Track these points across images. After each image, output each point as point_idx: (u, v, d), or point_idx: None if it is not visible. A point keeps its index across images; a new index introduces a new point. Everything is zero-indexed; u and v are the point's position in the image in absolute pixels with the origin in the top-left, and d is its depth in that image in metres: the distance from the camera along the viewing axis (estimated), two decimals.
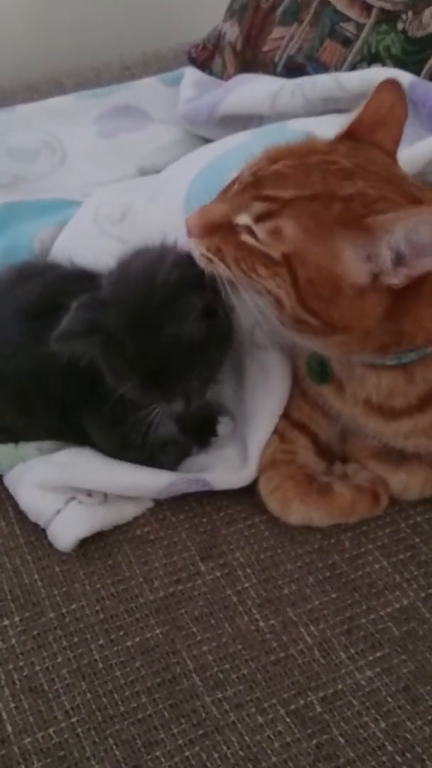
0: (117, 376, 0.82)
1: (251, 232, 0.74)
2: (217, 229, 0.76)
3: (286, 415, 0.94)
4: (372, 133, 0.80)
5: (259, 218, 0.74)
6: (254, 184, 0.76)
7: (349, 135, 0.80)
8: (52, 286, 0.92)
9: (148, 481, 0.91)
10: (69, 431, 0.94)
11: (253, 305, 0.77)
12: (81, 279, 0.91)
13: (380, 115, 0.80)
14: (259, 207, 0.74)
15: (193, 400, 0.84)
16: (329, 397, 0.90)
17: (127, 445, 0.90)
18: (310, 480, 0.91)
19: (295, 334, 0.79)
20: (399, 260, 0.71)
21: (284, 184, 0.74)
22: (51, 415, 0.93)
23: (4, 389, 0.93)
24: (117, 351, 0.80)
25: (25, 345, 0.89)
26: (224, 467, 0.93)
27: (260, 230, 0.74)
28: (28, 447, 0.96)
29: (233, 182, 0.80)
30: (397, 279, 0.71)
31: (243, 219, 0.75)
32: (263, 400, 0.93)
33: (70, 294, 0.83)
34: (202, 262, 0.78)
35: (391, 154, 0.80)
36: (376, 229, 0.70)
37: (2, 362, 0.91)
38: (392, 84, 0.82)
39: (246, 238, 0.75)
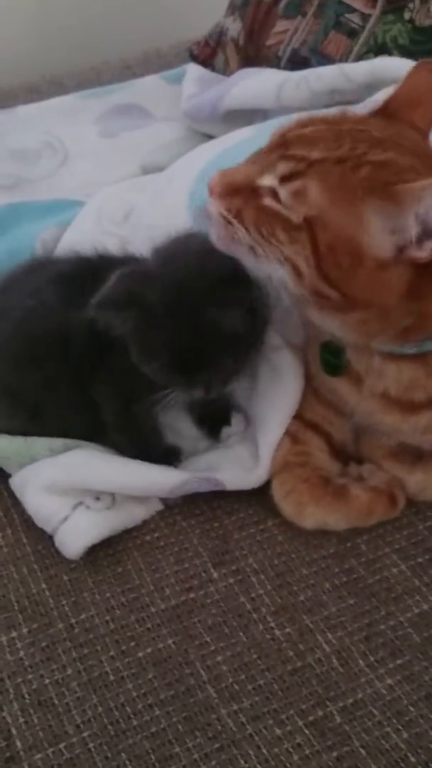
0: (145, 353, 0.81)
1: (274, 194, 0.73)
2: (239, 191, 0.74)
3: (298, 416, 0.91)
4: (406, 111, 0.78)
5: (284, 178, 0.72)
6: (282, 145, 0.74)
7: (383, 112, 0.79)
8: (85, 259, 0.94)
9: (159, 480, 0.89)
10: (82, 405, 0.91)
11: (273, 276, 0.74)
12: (113, 261, 0.92)
13: (416, 94, 0.79)
14: (284, 167, 0.72)
15: (213, 391, 0.83)
16: (344, 392, 0.87)
17: (130, 422, 0.89)
18: (325, 482, 0.89)
19: (314, 311, 0.77)
20: (426, 233, 0.69)
21: (313, 145, 0.72)
22: (67, 381, 0.90)
23: (29, 352, 0.91)
24: (152, 328, 0.79)
25: (56, 308, 0.89)
26: (235, 467, 0.91)
27: (284, 191, 0.72)
28: (38, 444, 0.93)
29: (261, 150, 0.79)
30: (423, 252, 0.69)
31: (267, 180, 0.73)
32: (275, 401, 0.91)
33: (103, 268, 0.84)
34: (220, 224, 0.75)
35: (425, 134, 0.78)
36: (405, 196, 0.68)
37: (36, 326, 0.90)
38: (426, 66, 0.81)
39: (268, 201, 0.73)
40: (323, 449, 0.92)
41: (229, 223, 0.74)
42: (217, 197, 0.75)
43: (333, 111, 0.81)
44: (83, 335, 0.85)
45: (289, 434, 0.91)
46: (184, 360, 0.80)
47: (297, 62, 1.34)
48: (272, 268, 0.74)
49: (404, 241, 0.69)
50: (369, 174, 0.70)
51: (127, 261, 0.90)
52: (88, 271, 0.90)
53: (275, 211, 0.72)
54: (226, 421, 0.95)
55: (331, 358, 0.86)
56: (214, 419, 0.97)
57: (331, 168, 0.70)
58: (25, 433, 0.95)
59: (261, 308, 0.82)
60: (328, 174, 0.70)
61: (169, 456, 0.94)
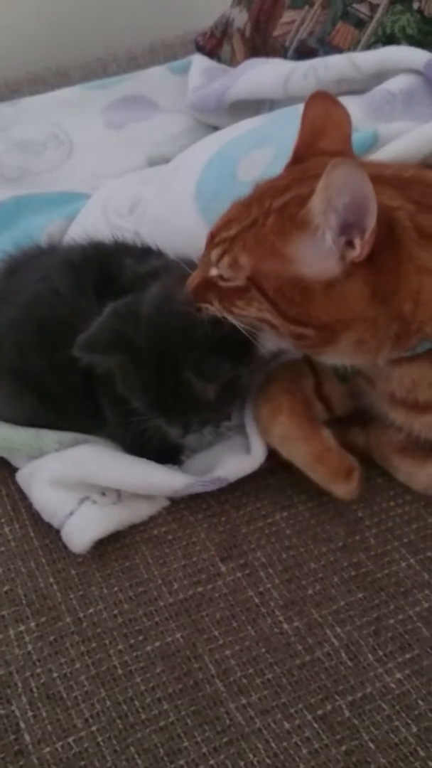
0: (129, 390, 0.85)
1: (220, 276, 0.78)
2: (203, 287, 0.80)
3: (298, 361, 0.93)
4: (315, 147, 0.80)
5: (218, 260, 0.77)
6: (210, 242, 0.80)
7: (295, 160, 0.81)
8: (99, 246, 0.95)
9: (163, 482, 0.88)
10: (87, 393, 0.92)
11: (267, 337, 0.81)
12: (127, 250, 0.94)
13: (318, 128, 0.81)
14: (215, 253, 0.77)
15: (191, 433, 0.86)
16: (362, 388, 0.88)
17: (128, 418, 0.89)
18: (306, 404, 0.90)
19: (313, 353, 0.81)
20: (346, 233, 0.69)
21: (230, 226, 0.77)
22: (74, 368, 0.88)
23: (43, 338, 0.91)
24: (134, 373, 0.83)
25: (68, 296, 0.90)
26: (233, 457, 0.90)
27: (222, 268, 0.77)
28: (48, 437, 0.93)
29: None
30: (356, 251, 0.69)
31: (211, 271, 0.79)
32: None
33: (116, 256, 0.89)
34: (203, 313, 0.81)
35: (341, 153, 0.78)
36: (306, 216, 0.70)
37: (44, 311, 0.91)
38: (317, 96, 0.83)
39: (220, 283, 0.78)
40: (311, 387, 0.93)
41: (206, 309, 0.80)
42: (193, 297, 0.81)
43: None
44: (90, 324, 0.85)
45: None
46: (162, 403, 0.83)
47: (304, 53, 1.32)
48: (261, 333, 0.79)
49: (335, 252, 0.70)
50: (276, 219, 0.73)
51: (141, 252, 0.92)
52: (101, 258, 0.91)
53: (226, 287, 0.77)
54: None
55: (338, 367, 0.86)
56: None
57: (247, 233, 0.75)
58: (31, 418, 0.94)
59: (245, 377, 0.85)
60: (246, 239, 0.75)
61: (168, 454, 0.94)
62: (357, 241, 0.69)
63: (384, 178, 0.75)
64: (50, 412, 0.94)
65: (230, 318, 0.78)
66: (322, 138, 0.80)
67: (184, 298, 0.81)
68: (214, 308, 0.79)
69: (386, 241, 0.70)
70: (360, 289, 0.71)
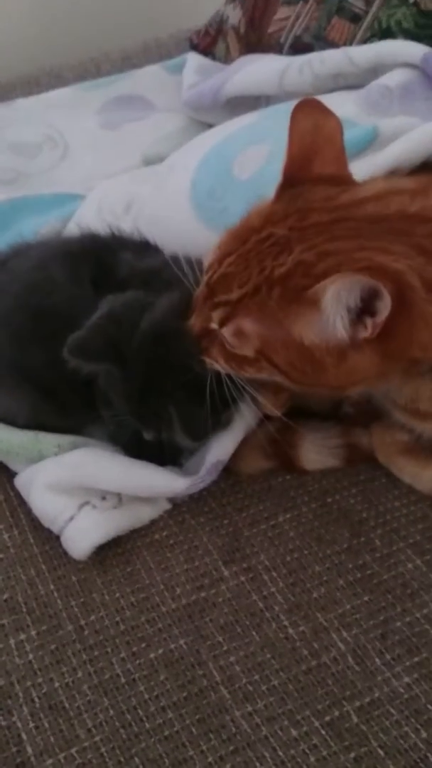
0: (111, 390, 0.84)
1: (225, 340, 0.75)
2: (205, 340, 0.78)
3: None
4: (307, 168, 0.75)
5: (222, 324, 0.75)
6: (209, 293, 0.76)
7: (286, 182, 0.75)
8: (96, 237, 0.95)
9: (164, 484, 0.87)
10: (87, 386, 0.90)
11: None
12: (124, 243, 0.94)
13: (307, 145, 0.75)
14: (217, 315, 0.75)
15: (163, 437, 0.85)
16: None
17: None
18: None
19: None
20: (356, 313, 0.67)
21: (230, 285, 0.73)
22: None
23: (38, 326, 0.90)
24: (118, 381, 0.82)
25: (64, 284, 0.89)
26: (224, 441, 0.88)
27: (227, 335, 0.74)
28: (47, 440, 0.92)
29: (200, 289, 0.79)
30: (367, 331, 0.67)
31: (211, 325, 0.76)
32: None
33: (114, 249, 0.88)
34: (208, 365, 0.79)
35: (336, 177, 0.75)
36: (314, 296, 0.67)
37: (40, 298, 0.90)
38: (306, 104, 0.76)
39: (227, 347, 0.76)
40: None
41: (210, 364, 0.78)
42: (197, 344, 0.79)
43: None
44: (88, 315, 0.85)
45: None
46: (142, 418, 0.83)
47: (300, 49, 1.31)
48: None
49: (347, 330, 0.68)
50: (280, 293, 0.70)
51: (138, 246, 0.92)
52: (97, 249, 0.91)
53: (233, 353, 0.75)
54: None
55: None
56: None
57: (251, 302, 0.72)
58: (30, 412, 0.93)
59: (219, 417, 0.85)
60: (250, 308, 0.72)
61: (166, 455, 0.92)
62: (368, 322, 0.66)
63: (389, 222, 0.71)
64: (49, 405, 0.93)
65: (238, 375, 0.77)
66: (314, 157, 0.75)
67: (186, 328, 0.80)
68: (220, 367, 0.78)
69: (397, 307, 0.65)
70: (371, 357, 0.70)
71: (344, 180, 0.76)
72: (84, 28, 1.83)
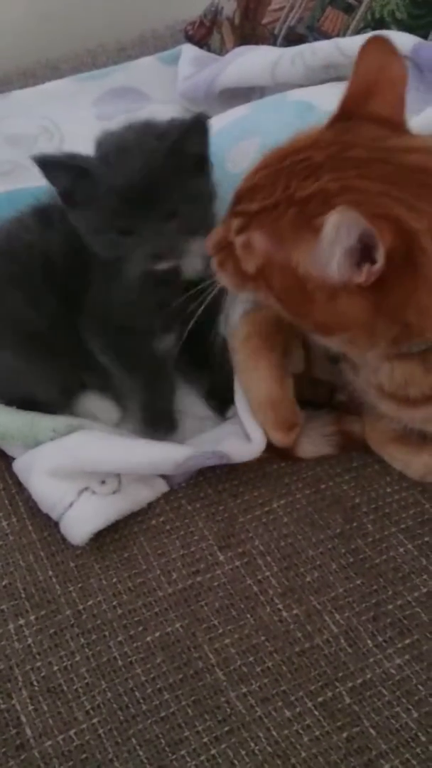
0: (96, 211, 0.85)
1: (235, 246, 0.75)
2: (223, 251, 0.78)
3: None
4: (364, 105, 0.74)
5: (237, 233, 0.75)
6: (236, 201, 0.76)
7: (342, 115, 0.75)
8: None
9: (164, 457, 0.88)
10: (73, 330, 0.94)
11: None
12: None
13: (370, 82, 0.74)
14: (236, 223, 0.75)
15: (175, 243, 0.86)
16: (345, 371, 0.87)
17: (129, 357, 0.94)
18: (283, 346, 0.90)
19: (307, 333, 0.81)
20: (354, 258, 0.65)
21: (254, 196, 0.73)
22: (54, 303, 0.92)
23: (15, 270, 0.93)
24: (93, 182, 0.84)
25: (35, 229, 0.94)
26: (235, 439, 0.90)
27: (237, 245, 0.75)
28: (42, 424, 0.93)
29: None
30: (361, 277, 0.66)
31: (230, 236, 0.76)
32: None
33: None
34: (216, 276, 0.80)
35: (391, 121, 0.74)
36: (318, 228, 0.66)
37: (14, 242, 0.94)
38: (376, 42, 0.75)
39: (235, 252, 0.76)
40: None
41: (219, 274, 0.80)
42: (211, 254, 0.80)
43: (296, 132, 0.77)
44: (64, 261, 0.90)
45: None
46: (132, 198, 0.83)
47: (293, 40, 1.31)
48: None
49: (341, 269, 0.67)
50: (294, 214, 0.69)
51: None
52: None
53: (239, 265, 0.75)
54: (232, 399, 0.94)
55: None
56: (220, 397, 0.97)
57: (267, 216, 0.71)
58: (21, 363, 0.95)
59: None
60: (264, 223, 0.72)
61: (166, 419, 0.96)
62: (365, 267, 0.65)
63: (428, 176, 0.69)
64: (35, 351, 0.94)
65: (239, 291, 0.79)
66: (374, 96, 0.73)
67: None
68: (227, 280, 0.79)
69: (402, 264, 0.65)
70: (362, 303, 0.68)
71: (398, 126, 0.74)
72: (80, 20, 1.83)
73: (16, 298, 0.92)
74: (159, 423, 0.97)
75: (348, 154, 0.71)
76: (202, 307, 0.82)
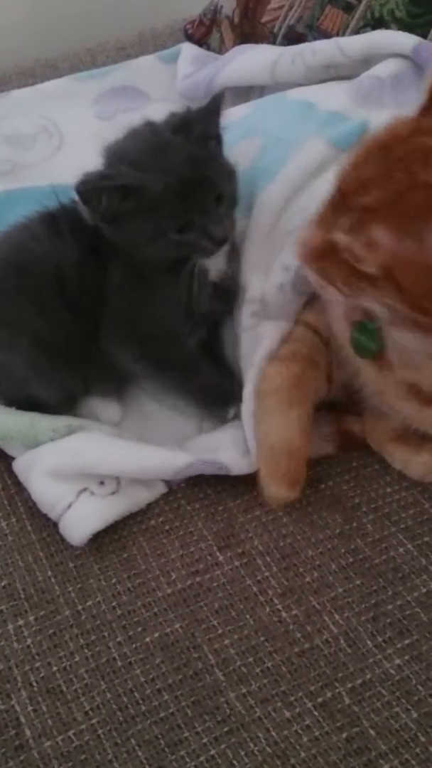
0: (150, 218, 0.84)
1: (349, 250, 0.70)
2: (323, 253, 0.72)
3: (309, 325, 0.91)
4: None
5: (351, 231, 0.69)
6: (341, 198, 0.71)
7: None
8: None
9: (164, 462, 0.88)
10: (83, 336, 0.93)
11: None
12: None
13: None
14: (346, 221, 0.70)
15: (226, 224, 0.87)
16: (367, 371, 0.85)
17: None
18: (312, 391, 0.88)
19: (401, 333, 0.76)
20: None
21: (366, 189, 0.68)
22: (65, 312, 0.91)
23: (24, 280, 0.92)
24: (139, 192, 0.83)
25: (49, 249, 0.92)
26: (234, 450, 0.90)
27: (355, 245, 0.69)
28: (42, 425, 0.92)
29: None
30: None
31: (338, 237, 0.70)
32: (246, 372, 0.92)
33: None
34: (318, 288, 0.76)
35: None
36: None
37: (23, 254, 0.92)
38: None
39: (346, 256, 0.70)
40: (326, 357, 0.90)
41: (322, 286, 0.74)
42: (306, 263, 0.74)
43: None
44: (78, 273, 0.90)
45: (296, 338, 0.90)
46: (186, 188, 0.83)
47: (293, 39, 1.31)
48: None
49: None
50: (425, 196, 0.65)
51: None
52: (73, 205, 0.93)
53: (354, 266, 0.70)
54: (230, 402, 0.95)
55: (365, 340, 0.81)
56: (218, 401, 0.97)
57: (391, 207, 0.67)
58: (28, 370, 0.94)
59: None
60: (388, 215, 0.67)
61: (225, 393, 0.95)
62: None
63: None
64: (46, 359, 0.93)
65: (349, 296, 0.73)
66: None
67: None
68: (335, 291, 0.73)
69: None
70: None
71: None
72: (79, 19, 1.82)
73: (28, 309, 0.91)
74: (218, 401, 0.96)
75: None
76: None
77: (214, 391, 0.96)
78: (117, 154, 0.88)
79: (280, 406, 0.86)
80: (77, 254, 0.90)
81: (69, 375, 0.95)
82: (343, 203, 0.71)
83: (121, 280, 0.90)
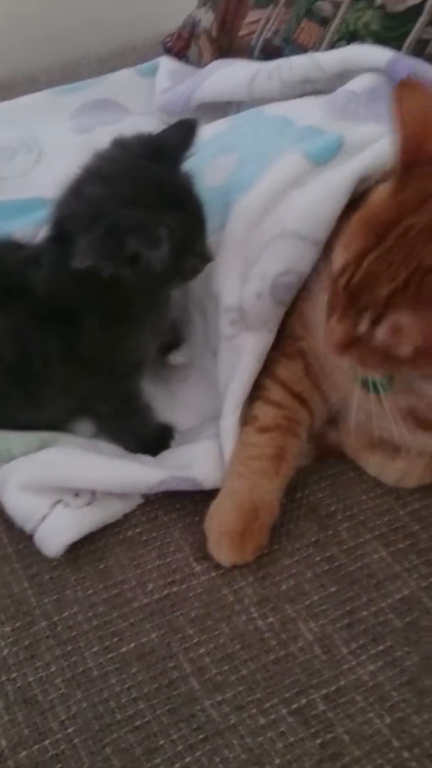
0: (170, 252, 0.82)
1: (376, 338, 0.73)
2: (352, 344, 0.75)
3: (284, 384, 0.92)
4: (422, 150, 0.72)
5: (374, 323, 0.72)
6: (352, 297, 0.73)
7: (406, 167, 0.73)
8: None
9: (138, 478, 0.88)
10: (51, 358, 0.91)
11: None
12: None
13: (418, 125, 0.72)
14: (367, 316, 0.72)
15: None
16: (361, 398, 0.83)
17: (119, 399, 0.94)
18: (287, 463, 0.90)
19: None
20: None
21: (377, 283, 0.70)
22: (33, 332, 0.89)
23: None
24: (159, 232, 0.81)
25: (14, 262, 0.92)
26: (209, 464, 0.90)
27: (381, 335, 0.72)
28: (15, 441, 0.92)
29: (334, 293, 0.77)
30: None
31: (363, 329, 0.73)
32: (229, 385, 0.93)
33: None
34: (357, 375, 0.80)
35: None
36: None
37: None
38: (406, 86, 0.74)
39: (377, 343, 0.73)
40: (307, 422, 0.92)
41: (365, 372, 0.77)
42: (340, 355, 0.77)
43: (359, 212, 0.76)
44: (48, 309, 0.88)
45: (274, 402, 0.91)
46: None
47: (270, 52, 1.33)
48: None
49: None
50: None
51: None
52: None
53: (387, 352, 0.73)
54: (175, 347, 1.00)
55: (380, 379, 0.81)
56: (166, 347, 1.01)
57: (404, 295, 0.69)
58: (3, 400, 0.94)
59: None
60: (404, 302, 0.69)
61: (163, 435, 0.96)
62: None
63: None
64: (22, 390, 0.92)
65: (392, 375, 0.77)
66: (428, 137, 0.71)
67: None
68: (377, 374, 0.77)
69: None
70: None
71: None
72: (59, 32, 1.84)
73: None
74: (157, 442, 0.97)
75: None
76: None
77: (154, 435, 0.97)
78: (122, 197, 0.85)
79: (268, 470, 0.88)
80: (48, 292, 0.87)
81: (48, 404, 0.96)
82: (357, 300, 0.73)
83: (98, 329, 0.88)
